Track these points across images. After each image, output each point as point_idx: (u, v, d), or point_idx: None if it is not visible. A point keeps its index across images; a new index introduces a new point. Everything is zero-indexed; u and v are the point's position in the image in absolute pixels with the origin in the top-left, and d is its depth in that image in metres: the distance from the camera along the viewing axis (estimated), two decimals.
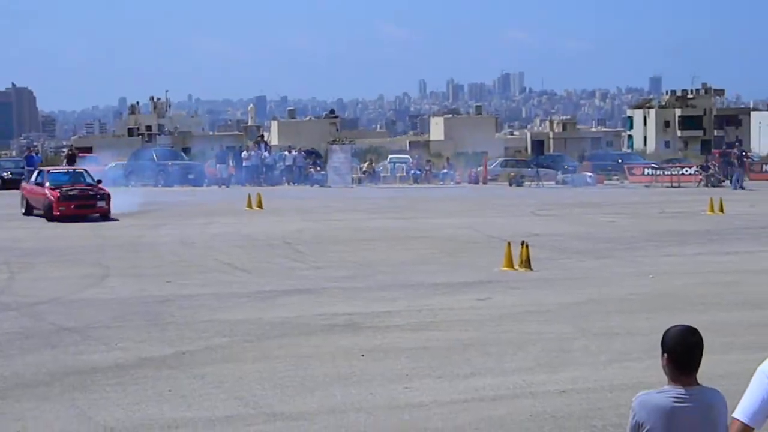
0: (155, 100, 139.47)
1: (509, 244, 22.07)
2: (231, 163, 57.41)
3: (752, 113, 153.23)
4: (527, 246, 21.85)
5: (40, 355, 13.40)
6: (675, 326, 5.36)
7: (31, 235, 29.12)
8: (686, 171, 61.93)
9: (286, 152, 61.68)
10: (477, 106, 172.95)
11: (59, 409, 10.82)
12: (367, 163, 64.14)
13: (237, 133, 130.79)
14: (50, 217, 32.83)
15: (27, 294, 18.53)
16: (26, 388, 11.70)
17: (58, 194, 33.15)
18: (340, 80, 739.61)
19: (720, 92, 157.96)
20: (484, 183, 60.35)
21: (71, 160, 51.26)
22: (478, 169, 63.18)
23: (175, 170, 56.23)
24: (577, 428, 10.13)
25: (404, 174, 63.12)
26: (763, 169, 67.05)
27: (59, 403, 11.02)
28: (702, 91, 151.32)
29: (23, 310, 16.91)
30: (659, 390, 5.30)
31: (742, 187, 53.23)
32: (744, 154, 70.92)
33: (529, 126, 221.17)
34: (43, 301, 17.72)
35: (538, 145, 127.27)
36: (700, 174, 59.61)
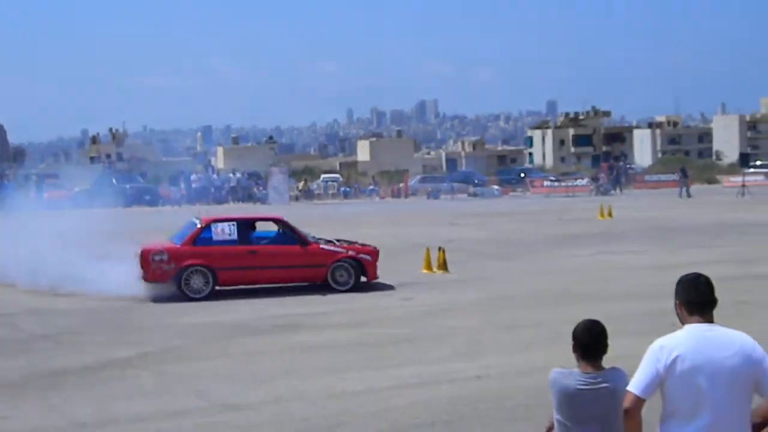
0: (114, 130, 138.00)
1: (428, 249, 22.17)
2: (182, 186, 56.91)
3: (635, 131, 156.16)
4: (444, 251, 21.99)
5: (16, 360, 13.20)
6: (583, 320, 5.51)
7: None
8: (579, 182, 62.71)
9: (231, 174, 61.39)
10: (398, 130, 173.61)
11: (35, 405, 10.68)
12: (302, 182, 63.93)
13: (187, 158, 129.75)
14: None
15: (2, 306, 18.22)
16: (3, 388, 11.53)
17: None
18: (277, 109, 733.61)
19: (607, 113, 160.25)
20: (406, 197, 60.52)
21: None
22: (400, 185, 63.44)
23: (133, 192, 55.58)
24: (490, 409, 10.21)
25: (336, 191, 63.11)
26: (645, 179, 68.19)
27: (35, 401, 10.88)
28: (592, 113, 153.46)
29: (1, 320, 16.64)
30: (570, 371, 5.40)
31: (688, 195, 52.12)
32: (629, 167, 72.17)
33: (443, 146, 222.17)
34: (18, 312, 17.46)
35: (452, 163, 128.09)
36: (591, 184, 60.44)
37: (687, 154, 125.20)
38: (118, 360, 13.07)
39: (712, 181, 70.14)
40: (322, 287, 18.99)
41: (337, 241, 20.20)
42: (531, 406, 10.01)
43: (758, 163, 75.29)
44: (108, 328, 15.64)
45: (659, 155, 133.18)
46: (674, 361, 4.86)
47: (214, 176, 59.86)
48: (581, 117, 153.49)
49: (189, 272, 18.34)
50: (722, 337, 4.93)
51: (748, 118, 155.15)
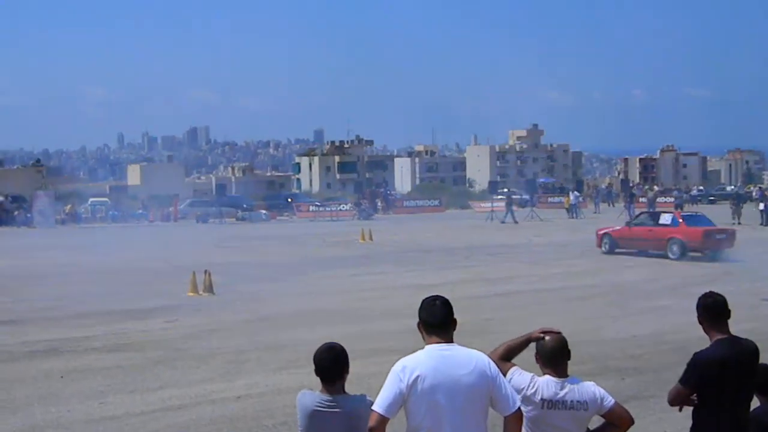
0: None
1: (194, 272, 21.74)
2: None
3: (396, 159, 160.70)
4: (210, 274, 21.63)
5: None
6: (323, 344, 5.39)
7: None
8: (343, 207, 63.52)
9: None
10: (169, 155, 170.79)
11: None
12: (69, 206, 61.41)
13: None
14: None
15: None
16: None
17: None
18: (46, 133, 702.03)
19: (370, 142, 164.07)
20: (175, 221, 59.38)
21: None
22: (170, 209, 62.17)
23: None
24: (250, 428, 10.04)
25: (104, 215, 61.10)
26: (404, 204, 69.99)
27: None
28: (356, 142, 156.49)
29: None
30: (313, 393, 5.31)
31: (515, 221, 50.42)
32: (389, 193, 73.86)
33: (214, 172, 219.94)
34: None
35: (222, 188, 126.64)
36: (355, 209, 61.38)
37: (443, 182, 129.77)
38: None
39: (465, 206, 72.85)
40: None
41: None
42: (289, 423, 9.90)
43: (505, 190, 78.82)
44: None
45: (418, 182, 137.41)
46: (415, 380, 4.87)
47: None
48: (346, 145, 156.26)
49: None
50: (459, 355, 4.98)
51: (497, 149, 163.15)
